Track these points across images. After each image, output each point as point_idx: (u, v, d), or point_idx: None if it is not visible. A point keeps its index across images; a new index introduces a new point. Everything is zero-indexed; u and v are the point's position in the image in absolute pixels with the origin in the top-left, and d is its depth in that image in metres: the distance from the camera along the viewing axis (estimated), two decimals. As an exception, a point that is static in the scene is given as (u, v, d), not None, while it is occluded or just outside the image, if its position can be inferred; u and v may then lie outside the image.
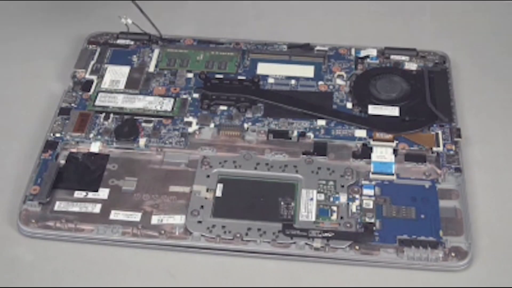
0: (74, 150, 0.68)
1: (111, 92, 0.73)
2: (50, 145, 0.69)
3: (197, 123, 0.70)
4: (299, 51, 0.78)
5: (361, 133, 0.70)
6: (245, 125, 0.70)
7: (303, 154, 0.68)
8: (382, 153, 0.68)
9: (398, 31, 0.82)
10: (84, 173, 0.67)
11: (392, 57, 0.77)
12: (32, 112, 0.73)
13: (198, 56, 0.77)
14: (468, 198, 0.65)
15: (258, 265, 0.62)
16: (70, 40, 0.80)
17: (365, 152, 0.68)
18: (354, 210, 0.64)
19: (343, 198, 0.65)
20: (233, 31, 0.81)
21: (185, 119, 0.71)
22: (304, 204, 0.64)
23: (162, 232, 0.63)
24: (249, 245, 0.62)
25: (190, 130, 0.70)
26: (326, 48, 0.78)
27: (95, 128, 0.70)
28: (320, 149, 0.69)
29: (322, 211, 0.64)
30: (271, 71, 0.76)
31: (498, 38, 0.81)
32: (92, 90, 0.74)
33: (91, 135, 0.69)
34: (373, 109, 0.71)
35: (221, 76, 0.75)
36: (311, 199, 0.64)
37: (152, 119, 0.71)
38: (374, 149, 0.68)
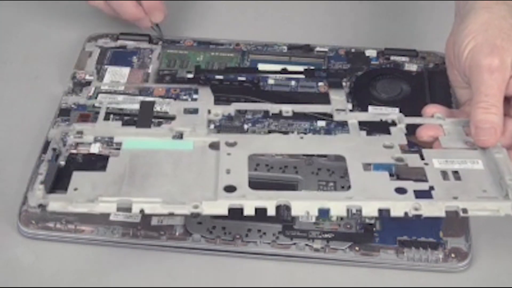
0: (74, 151, 0.68)
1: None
2: (50, 146, 0.69)
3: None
4: (299, 52, 0.78)
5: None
6: (245, 126, 0.70)
7: (303, 155, 0.68)
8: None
9: (398, 31, 0.82)
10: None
11: (392, 58, 0.77)
12: (32, 113, 0.73)
13: (198, 57, 0.77)
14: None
15: (258, 266, 0.62)
16: (70, 41, 0.80)
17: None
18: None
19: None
20: (233, 32, 0.81)
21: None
22: (304, 205, 0.64)
23: (162, 233, 0.63)
24: (249, 246, 0.62)
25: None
26: (326, 49, 0.78)
27: (95, 129, 0.70)
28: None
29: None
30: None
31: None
32: (92, 91, 0.74)
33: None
34: (373, 110, 0.71)
35: (221, 77, 0.75)
36: (311, 200, 0.64)
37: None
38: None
